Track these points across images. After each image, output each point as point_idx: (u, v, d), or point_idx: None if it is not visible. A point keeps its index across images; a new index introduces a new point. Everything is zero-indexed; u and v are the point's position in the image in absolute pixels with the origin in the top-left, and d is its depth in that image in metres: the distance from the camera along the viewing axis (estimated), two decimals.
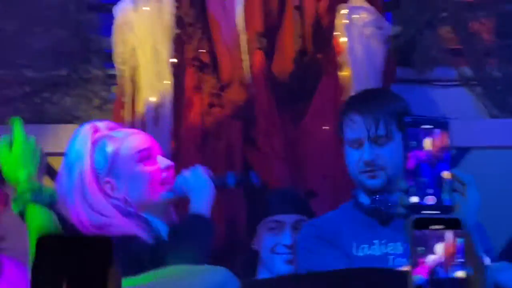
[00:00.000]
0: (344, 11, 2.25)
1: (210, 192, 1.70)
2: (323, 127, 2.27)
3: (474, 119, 2.38)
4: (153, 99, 2.27)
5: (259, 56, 2.26)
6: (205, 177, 1.71)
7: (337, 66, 2.28)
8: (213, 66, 2.28)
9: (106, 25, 2.32)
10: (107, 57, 2.33)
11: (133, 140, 1.66)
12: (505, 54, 2.32)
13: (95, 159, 1.61)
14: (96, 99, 2.31)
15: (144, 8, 2.27)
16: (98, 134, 1.63)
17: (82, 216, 1.56)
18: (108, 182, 1.60)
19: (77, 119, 2.29)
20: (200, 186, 1.69)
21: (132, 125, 2.27)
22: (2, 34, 2.28)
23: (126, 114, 2.27)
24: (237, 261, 2.19)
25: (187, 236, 1.62)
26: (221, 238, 2.23)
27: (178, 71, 2.30)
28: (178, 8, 2.27)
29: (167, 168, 1.67)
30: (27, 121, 2.30)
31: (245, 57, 2.24)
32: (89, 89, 2.30)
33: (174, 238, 1.61)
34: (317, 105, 2.28)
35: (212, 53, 2.28)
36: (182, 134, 2.28)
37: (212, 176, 1.73)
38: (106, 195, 1.60)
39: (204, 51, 2.27)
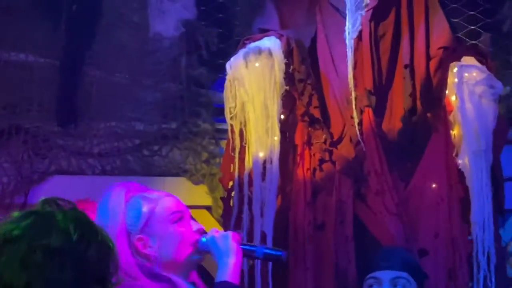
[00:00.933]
0: (455, 70, 2.26)
1: (239, 259, 1.65)
2: (433, 186, 2.24)
3: None
4: (261, 154, 2.27)
5: (369, 114, 2.26)
6: (235, 244, 1.67)
7: (447, 125, 2.27)
8: (324, 122, 2.29)
9: (217, 81, 2.34)
10: (216, 112, 2.34)
11: (168, 201, 1.68)
12: None
13: (128, 216, 1.62)
14: (205, 153, 2.30)
15: (255, 64, 2.31)
16: (131, 194, 1.66)
17: None
18: (141, 239, 1.61)
19: (185, 172, 2.28)
20: (229, 251, 1.65)
21: (241, 180, 2.28)
22: (115, 87, 2.31)
23: (235, 168, 2.27)
24: None
25: None
26: None
27: (287, 127, 2.32)
28: (288, 64, 2.30)
29: (199, 231, 1.68)
30: (136, 173, 2.32)
31: (355, 114, 2.25)
32: (197, 143, 2.30)
33: None
34: (427, 163, 2.26)
35: (322, 109, 2.29)
36: (291, 189, 2.26)
37: (242, 245, 1.69)
38: (136, 252, 1.61)
39: (315, 106, 2.28)
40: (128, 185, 1.65)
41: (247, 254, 1.68)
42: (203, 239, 1.62)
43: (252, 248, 1.72)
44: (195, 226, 1.67)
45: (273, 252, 1.76)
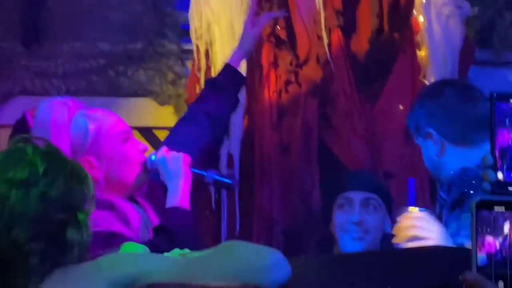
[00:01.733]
0: None
1: (188, 182, 1.62)
2: (400, 107, 2.24)
3: None
4: None
5: (338, 34, 2.24)
6: (185, 167, 1.64)
7: (414, 46, 2.25)
8: (290, 43, 2.26)
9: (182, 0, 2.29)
10: (182, 32, 2.31)
11: (115, 120, 1.62)
12: None
13: (73, 135, 1.56)
14: (171, 74, 2.28)
15: None
16: (73, 111, 1.59)
17: None
18: (87, 160, 1.54)
19: (151, 93, 2.27)
20: (179, 173, 1.63)
21: None
22: (78, 8, 2.26)
23: (200, 89, 2.26)
24: (312, 241, 2.19)
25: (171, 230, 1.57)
26: (296, 217, 2.23)
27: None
28: None
29: (145, 150, 1.65)
30: (101, 94, 2.30)
31: (323, 34, 2.22)
32: (163, 64, 2.28)
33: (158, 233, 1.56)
34: (394, 85, 2.26)
35: (289, 30, 2.26)
36: (257, 110, 2.27)
37: (192, 168, 1.67)
38: None
39: (282, 27, 2.25)
40: (68, 101, 1.60)
41: (197, 179, 1.69)
42: (153, 157, 1.60)
43: (203, 173, 1.71)
44: (141, 146, 1.64)
45: (223, 179, 1.77)
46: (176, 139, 1.83)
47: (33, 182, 1.21)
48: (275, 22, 2.28)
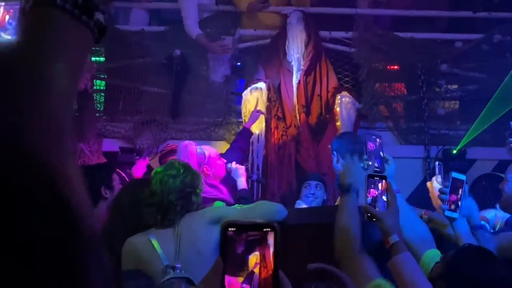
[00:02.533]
0: (338, 96, 5.23)
1: (245, 179, 4.22)
2: (329, 146, 5.21)
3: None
4: (257, 131, 5.29)
5: (303, 115, 5.26)
6: (242, 171, 4.23)
7: (335, 120, 5.23)
8: (283, 118, 5.30)
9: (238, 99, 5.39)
10: (239, 113, 5.39)
11: (213, 151, 4.10)
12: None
13: (198, 157, 3.96)
14: (233, 131, 5.35)
15: (254, 93, 5.33)
16: (195, 147, 4.31)
17: None
18: (205, 167, 4.13)
19: (224, 139, 5.34)
20: (241, 175, 4.22)
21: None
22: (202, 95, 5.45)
23: None
24: (293, 202, 5.14)
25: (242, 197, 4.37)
26: (286, 192, 5.21)
27: (267, 121, 5.33)
28: (268, 93, 5.32)
29: (225, 163, 4.20)
30: (204, 139, 5.42)
31: (297, 115, 5.25)
32: (230, 127, 5.35)
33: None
34: (327, 137, 5.23)
35: (283, 113, 5.30)
36: (269, 146, 5.28)
37: (248, 172, 4.52)
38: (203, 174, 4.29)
39: (279, 112, 5.30)
40: (193, 143, 4.60)
41: (249, 176, 4.56)
42: (229, 166, 4.58)
43: (252, 175, 4.67)
44: (224, 161, 4.61)
45: (260, 179, 4.77)
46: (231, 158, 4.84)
47: (178, 175, 2.66)
48: (278, 108, 5.33)
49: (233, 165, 4.14)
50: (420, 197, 4.16)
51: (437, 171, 2.65)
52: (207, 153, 3.92)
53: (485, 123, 5.34)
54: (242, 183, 4.09)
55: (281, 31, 5.47)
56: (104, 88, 5.87)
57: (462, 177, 2.48)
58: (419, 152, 5.43)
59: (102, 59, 5.93)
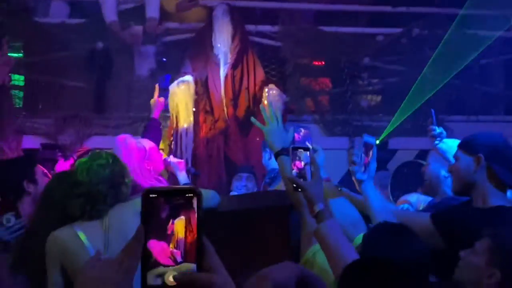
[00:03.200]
0: (266, 89, 5.26)
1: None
2: (257, 139, 5.23)
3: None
4: (185, 125, 5.23)
5: (231, 108, 5.24)
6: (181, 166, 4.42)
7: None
8: (211, 112, 5.26)
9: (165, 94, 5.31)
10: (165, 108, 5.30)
11: (151, 143, 4.37)
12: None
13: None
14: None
15: (182, 87, 5.27)
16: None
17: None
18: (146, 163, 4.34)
19: None
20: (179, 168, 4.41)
21: (176, 137, 5.23)
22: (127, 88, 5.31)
23: (173, 133, 5.24)
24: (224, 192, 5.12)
25: None
26: (217, 185, 5.18)
27: (195, 114, 5.28)
28: (196, 86, 5.27)
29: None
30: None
31: (225, 108, 5.23)
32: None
33: None
34: (255, 129, 5.24)
35: (211, 106, 5.27)
36: (198, 141, 5.24)
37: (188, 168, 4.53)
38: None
39: (208, 105, 5.26)
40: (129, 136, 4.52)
41: (188, 170, 4.52)
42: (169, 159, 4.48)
43: (191, 169, 4.61)
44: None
45: (198, 172, 4.71)
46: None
47: (107, 165, 2.57)
48: (206, 101, 5.29)
49: (172, 159, 4.04)
50: (346, 186, 4.27)
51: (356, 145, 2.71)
52: (147, 147, 3.69)
53: (405, 114, 5.53)
54: (184, 177, 3.96)
55: (207, 24, 5.42)
56: (23, 83, 5.62)
57: (372, 140, 2.53)
58: (343, 143, 5.54)
59: (20, 55, 5.69)
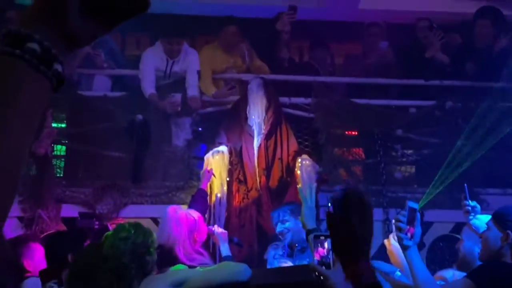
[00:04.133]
0: (299, 160, 5.30)
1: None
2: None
3: None
4: (219, 194, 5.29)
5: (264, 178, 5.29)
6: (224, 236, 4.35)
7: (296, 183, 5.29)
8: (245, 181, 5.32)
9: (200, 164, 5.41)
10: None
11: (197, 213, 4.34)
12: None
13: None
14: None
15: (216, 157, 5.37)
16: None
17: None
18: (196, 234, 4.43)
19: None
20: (223, 240, 4.33)
21: (210, 206, 5.28)
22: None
23: (208, 201, 5.29)
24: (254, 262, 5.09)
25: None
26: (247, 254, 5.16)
27: (229, 184, 5.34)
28: (230, 157, 5.36)
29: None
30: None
31: (258, 178, 5.28)
32: (191, 193, 5.34)
33: None
34: (288, 198, 5.25)
35: (244, 176, 5.33)
36: (231, 209, 5.26)
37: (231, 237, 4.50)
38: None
39: (241, 175, 5.32)
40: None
41: (230, 240, 4.45)
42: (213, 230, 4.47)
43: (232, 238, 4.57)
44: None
45: (240, 242, 4.68)
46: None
47: (129, 237, 2.61)
48: (240, 171, 5.36)
49: (217, 229, 4.08)
50: (380, 259, 4.20)
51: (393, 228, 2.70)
52: (196, 218, 3.76)
53: (440, 186, 5.48)
54: (226, 249, 4.02)
55: (242, 97, 5.58)
56: (65, 153, 5.82)
57: (416, 205, 2.52)
58: (378, 215, 5.49)
59: (63, 125, 5.92)
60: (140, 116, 5.58)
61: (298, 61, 6.90)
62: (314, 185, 5.27)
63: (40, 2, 0.75)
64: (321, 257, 2.22)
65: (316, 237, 2.25)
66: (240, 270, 2.78)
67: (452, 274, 3.67)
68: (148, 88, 5.71)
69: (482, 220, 3.31)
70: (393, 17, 6.56)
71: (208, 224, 5.09)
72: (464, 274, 3.35)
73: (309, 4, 6.70)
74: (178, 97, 5.66)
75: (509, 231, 2.37)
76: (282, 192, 5.29)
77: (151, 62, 5.82)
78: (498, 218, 2.47)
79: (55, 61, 0.73)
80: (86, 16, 0.76)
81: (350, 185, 5.37)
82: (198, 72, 5.80)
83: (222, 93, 5.92)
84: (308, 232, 2.51)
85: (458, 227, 5.00)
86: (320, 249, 2.23)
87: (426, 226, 5.39)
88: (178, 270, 3.08)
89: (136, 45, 7.19)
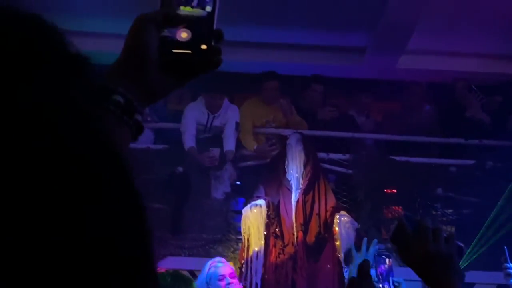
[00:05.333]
0: (337, 216, 5.30)
1: None
2: (328, 266, 5.19)
3: None
4: (256, 248, 5.29)
5: (301, 233, 5.30)
6: None
7: (334, 240, 5.26)
8: (281, 236, 5.33)
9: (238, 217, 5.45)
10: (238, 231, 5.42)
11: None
12: None
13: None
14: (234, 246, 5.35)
15: (254, 210, 5.41)
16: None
17: None
18: None
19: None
20: None
21: (247, 260, 5.28)
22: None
23: (245, 255, 5.30)
24: None
25: None
26: None
27: (266, 238, 5.35)
28: (267, 210, 5.39)
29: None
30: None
31: (294, 234, 5.29)
32: (228, 247, 5.36)
33: None
34: (326, 255, 5.22)
35: (281, 231, 5.34)
36: (268, 264, 5.26)
37: None
38: None
39: (278, 229, 5.34)
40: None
41: None
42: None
43: None
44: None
45: None
46: None
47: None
48: (276, 225, 5.37)
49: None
50: None
51: None
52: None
53: (482, 247, 5.39)
54: None
55: (281, 152, 5.66)
56: None
57: None
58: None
59: None
60: (180, 169, 5.71)
61: (336, 117, 6.98)
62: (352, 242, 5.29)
63: (125, 61, 0.84)
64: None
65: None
66: None
67: None
68: (189, 141, 5.86)
69: None
70: (432, 76, 6.62)
71: (245, 279, 5.12)
72: None
73: (348, 61, 6.84)
74: (216, 152, 5.80)
75: None
76: (319, 248, 5.27)
77: (193, 116, 5.99)
78: None
79: (136, 112, 0.82)
80: (163, 74, 0.85)
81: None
82: (238, 124, 5.94)
83: (263, 149, 6.03)
84: None
85: None
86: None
87: (468, 287, 5.26)
88: None
89: (178, 99, 7.40)
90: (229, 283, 3.97)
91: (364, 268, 1.60)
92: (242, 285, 4.48)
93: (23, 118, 0.36)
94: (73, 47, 0.41)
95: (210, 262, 4.12)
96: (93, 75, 0.47)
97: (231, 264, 5.17)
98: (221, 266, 4.11)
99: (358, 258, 3.17)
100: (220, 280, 3.96)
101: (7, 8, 0.39)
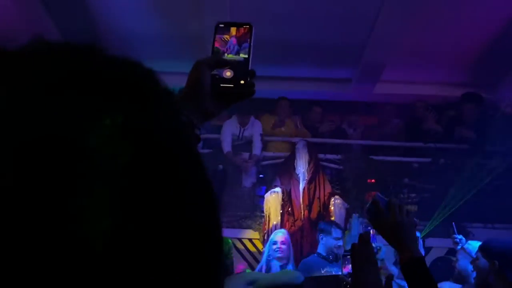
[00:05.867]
0: (332, 199, 5.31)
1: None
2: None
3: None
4: (274, 222, 5.33)
5: (307, 211, 5.32)
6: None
7: (330, 216, 5.27)
8: (293, 214, 5.35)
9: (261, 200, 5.50)
10: (261, 210, 5.46)
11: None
12: None
13: None
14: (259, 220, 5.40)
15: (273, 195, 5.44)
16: None
17: None
18: None
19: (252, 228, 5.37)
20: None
21: (268, 231, 5.31)
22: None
23: (266, 228, 5.33)
24: None
25: None
26: None
27: (281, 215, 5.39)
28: (283, 196, 5.43)
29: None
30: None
31: (302, 212, 5.31)
32: (255, 221, 5.40)
33: None
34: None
35: (292, 210, 5.37)
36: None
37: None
38: None
39: (290, 209, 5.37)
40: None
41: None
42: None
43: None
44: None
45: None
46: None
47: None
48: (289, 206, 5.40)
49: None
50: None
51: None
52: None
53: (437, 220, 5.39)
54: None
55: (291, 154, 5.71)
56: None
57: None
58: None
59: None
60: (220, 167, 5.79)
61: (333, 129, 7.01)
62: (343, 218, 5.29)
63: (188, 92, 0.89)
64: (349, 273, 2.14)
65: (345, 256, 2.17)
66: (296, 275, 2.84)
67: (448, 286, 3.57)
68: (226, 147, 5.93)
69: (473, 245, 3.24)
70: (399, 99, 6.62)
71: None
72: (460, 285, 3.26)
73: (338, 89, 6.88)
74: (246, 155, 5.86)
75: (495, 260, 2.24)
76: (319, 222, 5.28)
77: (229, 129, 6.06)
78: (485, 250, 2.36)
79: (195, 128, 0.86)
80: (215, 101, 0.91)
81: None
82: (261, 135, 6.00)
83: (276, 124, 6.04)
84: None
85: (451, 251, 4.85)
86: (347, 266, 2.10)
87: (427, 250, 5.24)
88: (251, 272, 3.22)
89: (218, 117, 7.46)
90: (278, 248, 3.92)
91: (364, 237, 1.49)
92: (292, 250, 4.22)
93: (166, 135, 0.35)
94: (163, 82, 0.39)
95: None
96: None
97: (261, 233, 5.22)
98: (276, 234, 4.08)
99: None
100: (273, 244, 3.96)
101: (122, 57, 0.37)
